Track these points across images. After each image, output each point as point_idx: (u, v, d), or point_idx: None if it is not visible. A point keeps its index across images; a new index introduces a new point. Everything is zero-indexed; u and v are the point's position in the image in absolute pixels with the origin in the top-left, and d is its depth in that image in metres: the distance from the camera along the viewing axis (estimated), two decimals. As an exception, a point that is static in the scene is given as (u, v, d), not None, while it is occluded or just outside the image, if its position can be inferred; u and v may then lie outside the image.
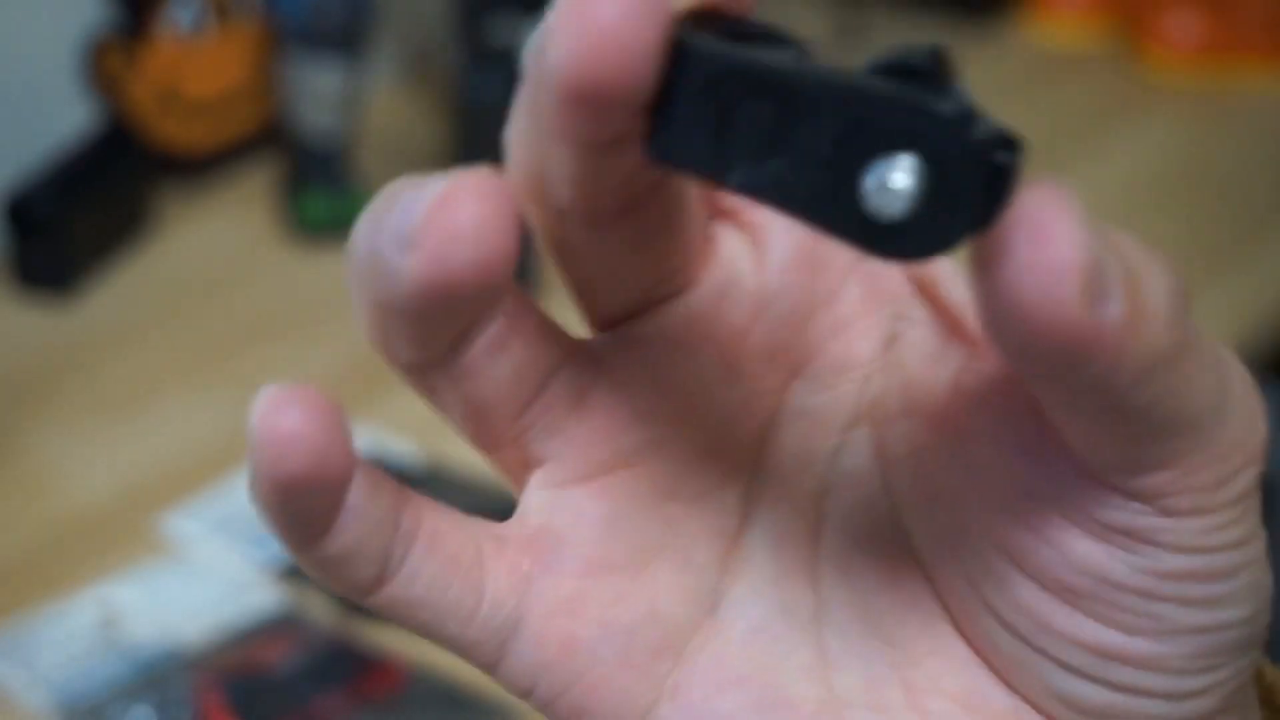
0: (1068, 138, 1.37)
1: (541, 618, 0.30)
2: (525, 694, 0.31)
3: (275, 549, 0.93)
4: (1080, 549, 0.28)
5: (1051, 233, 0.24)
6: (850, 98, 0.25)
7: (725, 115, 0.26)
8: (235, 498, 0.96)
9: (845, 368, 0.31)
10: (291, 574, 0.92)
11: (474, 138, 1.11)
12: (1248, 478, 0.28)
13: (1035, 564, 0.28)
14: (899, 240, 0.24)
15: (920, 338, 0.31)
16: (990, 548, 0.29)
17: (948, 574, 0.30)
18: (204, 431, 1.03)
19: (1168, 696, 0.29)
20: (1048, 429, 0.28)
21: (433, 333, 0.28)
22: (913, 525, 0.31)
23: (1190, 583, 0.28)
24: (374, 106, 1.32)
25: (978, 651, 0.30)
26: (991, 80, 1.45)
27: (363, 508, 0.29)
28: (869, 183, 0.24)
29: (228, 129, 1.25)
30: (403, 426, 1.00)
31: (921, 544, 0.31)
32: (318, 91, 1.20)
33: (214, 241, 1.21)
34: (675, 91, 0.26)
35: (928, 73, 0.25)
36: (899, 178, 0.24)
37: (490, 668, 0.31)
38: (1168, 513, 0.27)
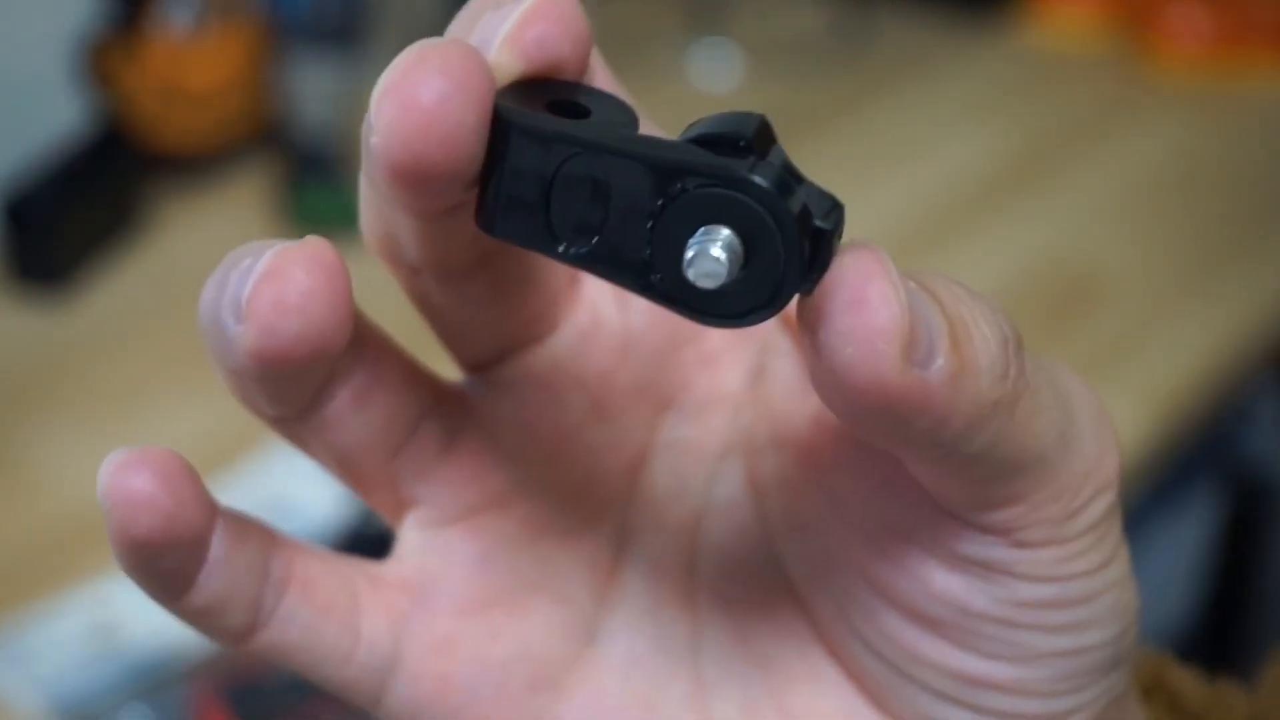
0: (1070, 138, 1.37)
1: (418, 657, 0.31)
2: None
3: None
4: (939, 580, 0.28)
5: (867, 297, 0.25)
6: (668, 171, 0.25)
7: (547, 190, 0.26)
8: (232, 498, 0.96)
9: (714, 400, 0.32)
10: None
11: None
12: (1102, 505, 0.28)
13: (898, 594, 0.29)
14: (722, 307, 0.25)
15: (785, 370, 0.31)
16: (856, 577, 0.29)
17: (819, 601, 0.31)
18: (201, 430, 1.02)
19: (1036, 719, 0.29)
20: (905, 466, 0.28)
21: (284, 393, 0.29)
22: (785, 553, 0.31)
23: (1049, 610, 0.28)
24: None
25: (851, 676, 0.31)
26: (992, 81, 1.44)
27: (227, 560, 0.29)
28: (689, 253, 0.25)
29: (226, 127, 1.25)
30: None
31: (793, 572, 0.31)
32: (316, 89, 1.20)
33: (212, 239, 1.21)
34: (499, 167, 0.26)
35: (746, 141, 0.25)
36: (718, 248, 0.25)
37: (370, 706, 0.31)
38: (1021, 545, 0.28)
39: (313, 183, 1.20)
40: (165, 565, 0.29)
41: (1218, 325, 1.13)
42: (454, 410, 0.31)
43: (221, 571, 0.29)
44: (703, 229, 0.25)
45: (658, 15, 1.45)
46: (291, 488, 0.96)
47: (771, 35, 1.45)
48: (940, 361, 0.25)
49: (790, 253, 0.25)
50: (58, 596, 0.89)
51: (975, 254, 1.18)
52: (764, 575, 0.31)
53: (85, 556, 0.92)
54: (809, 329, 0.25)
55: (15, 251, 1.13)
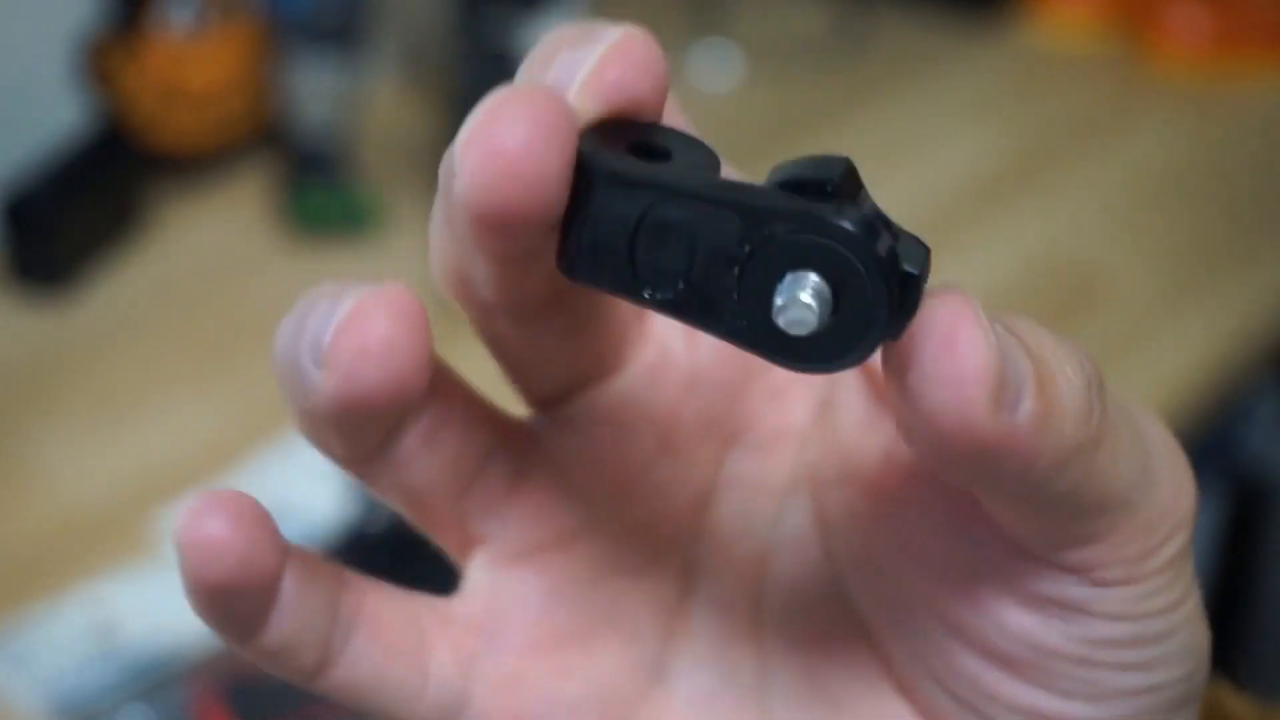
0: (1070, 138, 1.37)
1: (487, 695, 0.31)
2: None
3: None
4: (1014, 618, 0.28)
5: (957, 342, 0.25)
6: (755, 216, 0.25)
7: (632, 235, 0.26)
8: (232, 498, 0.96)
9: (781, 435, 0.32)
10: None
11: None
12: (1177, 544, 0.28)
13: (972, 632, 0.29)
14: (810, 353, 0.25)
15: (853, 404, 0.31)
16: (928, 615, 0.29)
17: (889, 638, 0.30)
18: (201, 430, 1.02)
19: None
20: (978, 503, 0.28)
21: (357, 435, 0.29)
22: (853, 589, 0.31)
23: (1124, 648, 0.28)
24: (372, 104, 1.31)
25: (921, 714, 0.31)
26: (992, 81, 1.44)
27: (297, 602, 0.29)
28: (778, 300, 0.25)
29: (226, 127, 1.25)
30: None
31: (862, 608, 0.31)
32: (316, 89, 1.20)
33: (212, 239, 1.21)
34: (582, 212, 0.26)
35: (833, 186, 0.25)
36: (807, 295, 0.25)
37: None
38: (1098, 583, 0.28)
39: (313, 183, 1.20)
40: (238, 608, 0.29)
41: (1218, 325, 1.13)
42: (522, 447, 0.31)
43: (292, 612, 0.29)
44: (790, 275, 0.25)
45: (658, 15, 1.45)
46: (291, 488, 0.96)
47: (771, 35, 1.45)
48: (1027, 405, 0.25)
49: (879, 299, 0.25)
50: (58, 596, 0.89)
51: (975, 254, 1.18)
52: (832, 612, 0.31)
53: (85, 556, 0.92)
54: (896, 372, 0.25)
55: (15, 251, 1.13)
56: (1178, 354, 1.08)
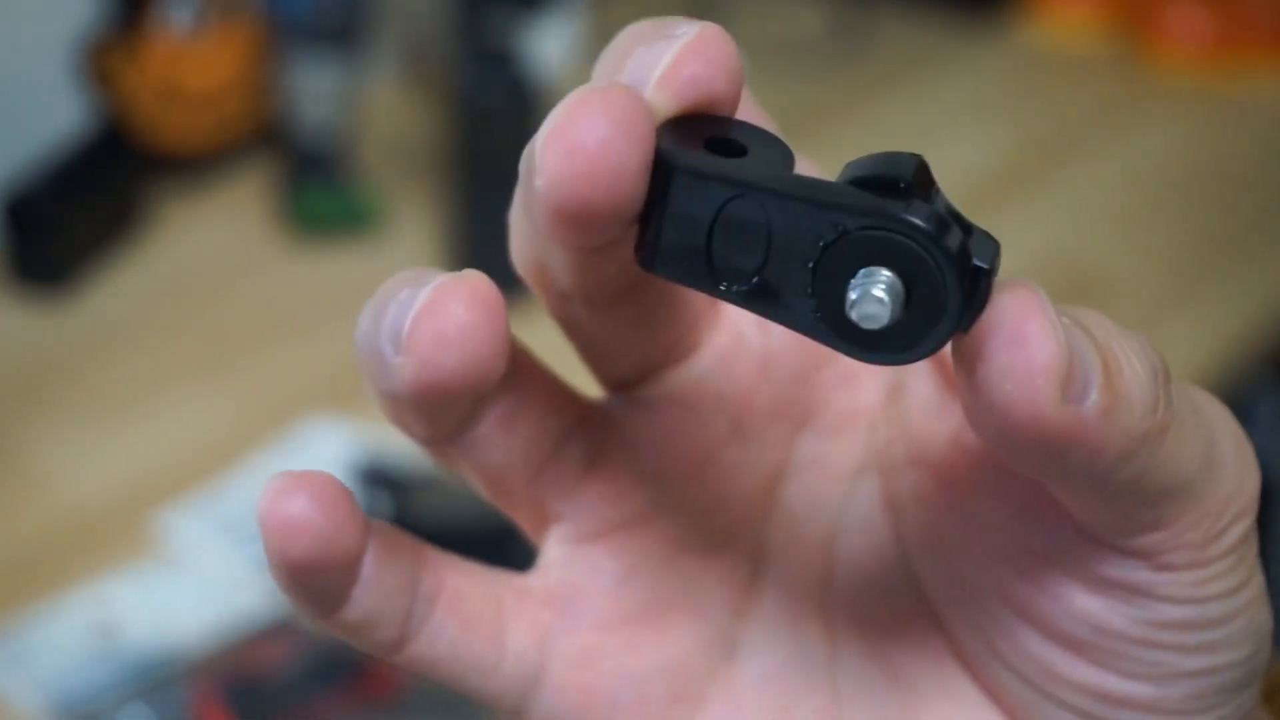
0: (1070, 138, 1.37)
1: (561, 670, 0.31)
2: None
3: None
4: (1080, 601, 0.29)
5: (1026, 334, 0.25)
6: (829, 213, 0.26)
7: (709, 230, 0.27)
8: (233, 498, 0.96)
9: (851, 419, 0.32)
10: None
11: (472, 136, 1.11)
12: (1241, 529, 0.29)
13: (1038, 614, 0.29)
14: (884, 345, 0.26)
15: (922, 389, 0.31)
16: (995, 597, 0.30)
17: (956, 619, 0.31)
18: (202, 430, 1.02)
19: None
20: (1044, 489, 0.29)
21: (437, 418, 0.30)
22: (921, 570, 0.31)
23: (1187, 631, 0.29)
24: (372, 104, 1.31)
25: (987, 693, 0.31)
26: (993, 80, 1.44)
27: (378, 577, 0.29)
28: (851, 295, 0.26)
29: (226, 127, 1.25)
30: (401, 427, 1.00)
31: (930, 588, 0.31)
32: (316, 89, 1.20)
33: (212, 240, 1.21)
34: (660, 207, 0.27)
35: (906, 183, 0.26)
36: (880, 290, 0.25)
37: (515, 715, 0.32)
38: (1163, 568, 0.28)
39: (313, 183, 1.20)
40: (319, 586, 0.29)
41: (1217, 324, 1.13)
42: (597, 429, 0.32)
43: (373, 588, 0.30)
44: (864, 270, 0.26)
45: (657, 15, 1.45)
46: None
47: (771, 35, 1.45)
48: (1095, 396, 0.26)
49: (951, 293, 0.25)
50: (58, 596, 0.89)
51: (975, 254, 1.18)
52: (900, 592, 0.32)
53: (85, 556, 0.92)
54: (966, 364, 0.26)
55: (15, 251, 1.13)
56: (1177, 353, 1.08)
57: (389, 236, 1.19)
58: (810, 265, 0.26)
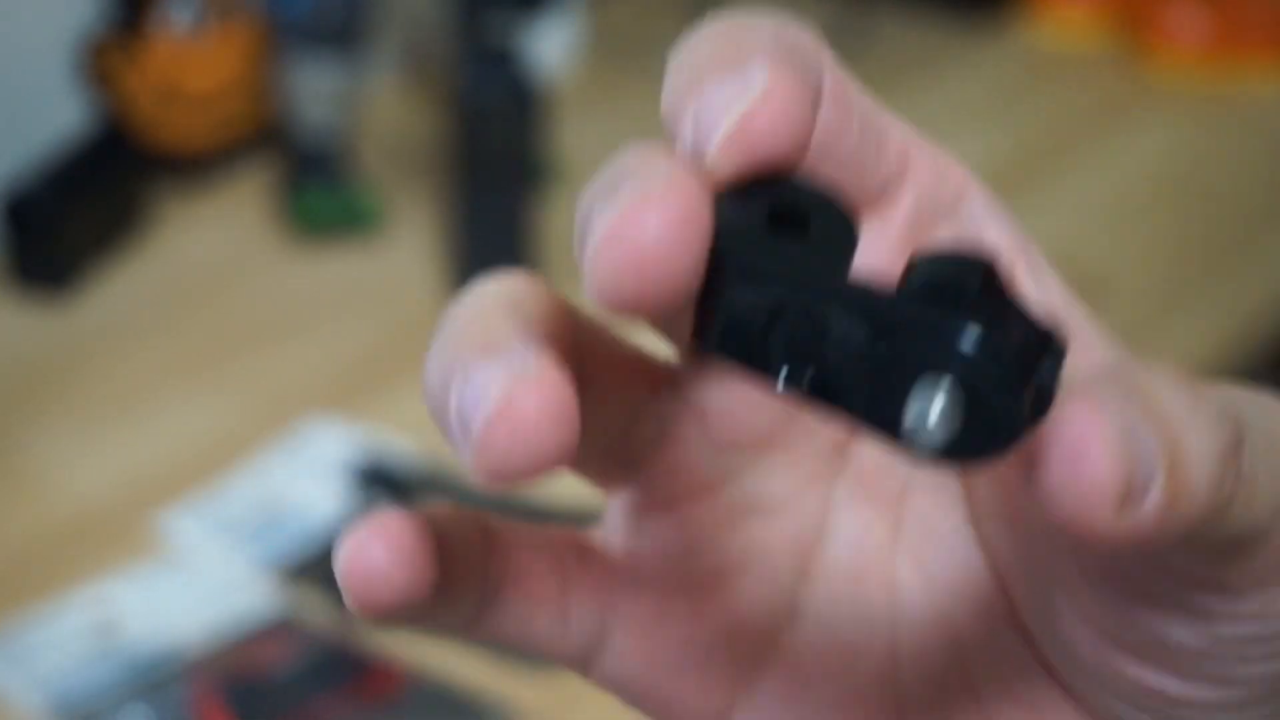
0: (1069, 138, 1.37)
1: (624, 636, 0.32)
2: (613, 694, 0.33)
3: (273, 550, 0.93)
4: (1141, 616, 0.29)
5: (1087, 452, 0.25)
6: (884, 327, 0.26)
7: (765, 330, 0.26)
8: (233, 498, 0.96)
9: None
10: (289, 575, 0.92)
11: (472, 136, 1.11)
12: None
13: (1097, 620, 0.29)
14: (943, 456, 0.25)
15: None
16: (1055, 590, 0.30)
17: (1016, 584, 0.31)
18: (202, 430, 1.02)
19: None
20: None
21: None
22: (991, 549, 0.32)
23: (1250, 644, 0.29)
24: (373, 105, 1.31)
25: (1038, 670, 0.32)
26: (992, 81, 1.45)
27: (449, 589, 0.30)
28: (910, 406, 0.25)
29: (226, 127, 1.25)
30: (403, 426, 1.00)
31: (987, 542, 0.32)
32: (316, 90, 1.20)
33: (212, 240, 1.21)
34: (717, 297, 0.27)
35: (973, 295, 0.25)
36: (937, 404, 0.25)
37: (581, 674, 0.32)
38: (1229, 595, 0.28)
39: (313, 183, 1.20)
40: (398, 619, 0.30)
41: (1217, 324, 1.13)
42: (668, 399, 0.32)
43: (445, 597, 0.30)
44: (918, 387, 0.25)
45: (658, 15, 1.45)
46: (291, 488, 0.96)
47: (771, 35, 1.45)
48: (1155, 496, 0.25)
49: (1007, 415, 0.25)
50: (58, 596, 0.89)
51: (975, 254, 1.18)
52: (963, 545, 0.32)
53: (85, 556, 0.92)
54: (1026, 468, 0.26)
55: (16, 252, 1.13)
56: (1176, 353, 1.08)
57: (389, 236, 1.19)
58: (866, 375, 0.26)
